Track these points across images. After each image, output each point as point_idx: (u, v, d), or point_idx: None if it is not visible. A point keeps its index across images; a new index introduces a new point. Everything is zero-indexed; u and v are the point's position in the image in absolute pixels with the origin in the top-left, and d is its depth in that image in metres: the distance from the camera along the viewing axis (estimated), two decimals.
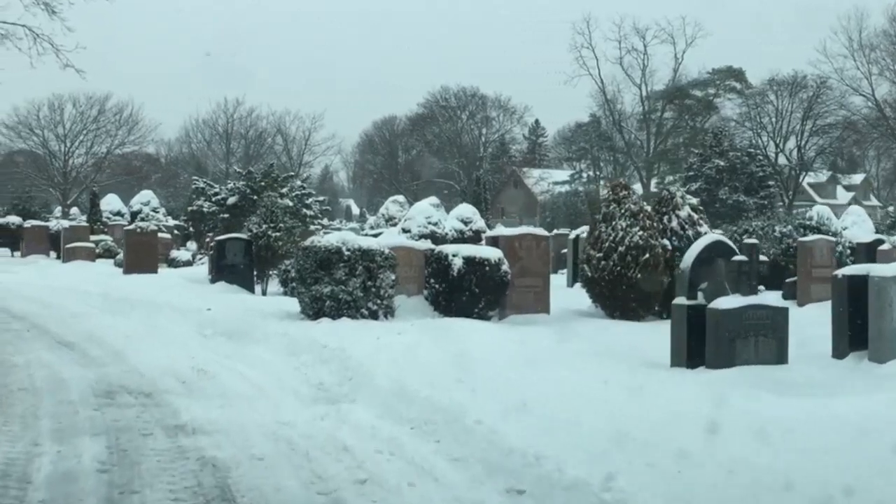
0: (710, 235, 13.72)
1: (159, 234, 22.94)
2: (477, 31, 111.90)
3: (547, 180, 75.17)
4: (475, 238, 25.92)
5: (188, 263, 25.86)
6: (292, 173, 23.80)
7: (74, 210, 52.71)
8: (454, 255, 12.58)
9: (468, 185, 64.60)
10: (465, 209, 26.39)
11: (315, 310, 11.85)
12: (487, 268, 12.56)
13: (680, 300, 9.58)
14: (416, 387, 7.59)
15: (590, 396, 7.17)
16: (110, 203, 38.00)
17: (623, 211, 13.97)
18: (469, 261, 12.50)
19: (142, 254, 21.12)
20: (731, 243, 13.46)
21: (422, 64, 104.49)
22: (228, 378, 9.02)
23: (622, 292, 13.66)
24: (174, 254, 26.41)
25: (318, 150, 74.53)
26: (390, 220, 36.39)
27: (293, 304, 13.48)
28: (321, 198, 24.03)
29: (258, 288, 17.68)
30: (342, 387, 8.44)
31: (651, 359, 9.31)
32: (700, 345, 8.76)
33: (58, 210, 57.79)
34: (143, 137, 63.54)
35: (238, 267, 17.39)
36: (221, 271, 17.27)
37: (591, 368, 8.58)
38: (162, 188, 65.89)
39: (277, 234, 17.20)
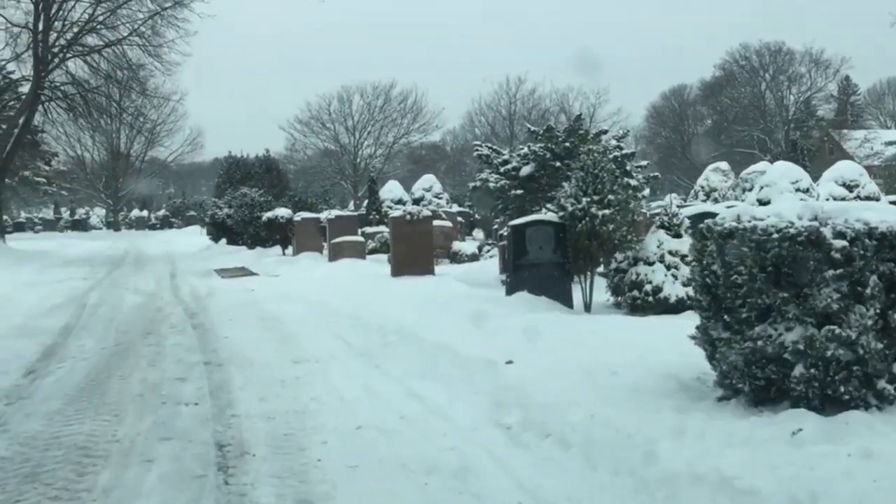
0: None
1: (436, 222, 16.91)
2: None
3: (874, 142, 62.02)
4: None
5: (474, 258, 19.83)
6: (605, 129, 16.78)
7: (366, 203, 49.84)
8: None
9: (781, 152, 53.73)
10: (848, 168, 17.82)
11: (758, 383, 4.75)
12: None
13: None
14: None
15: None
16: (391, 191, 33.32)
17: None
18: None
19: (413, 248, 15.22)
20: None
21: (714, 25, 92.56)
22: None
23: None
24: (456, 246, 20.51)
25: (603, 127, 66.80)
26: (712, 193, 28.19)
27: (663, 343, 6.71)
28: (643, 162, 16.83)
29: (576, 295, 10.86)
30: None
31: None
32: None
33: (351, 204, 55.69)
34: (427, 124, 59.76)
35: (545, 266, 10.69)
36: (521, 274, 10.67)
37: None
38: (448, 177, 62.09)
39: (607, 211, 10.27)
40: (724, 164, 29.60)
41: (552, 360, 6.55)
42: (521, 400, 5.72)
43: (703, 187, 28.91)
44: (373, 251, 22.15)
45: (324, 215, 23.53)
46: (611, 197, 10.45)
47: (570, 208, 10.42)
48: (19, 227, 59.89)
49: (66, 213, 68.25)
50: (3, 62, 28.37)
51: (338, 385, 7.04)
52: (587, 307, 10.70)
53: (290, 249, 24.28)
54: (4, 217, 46.69)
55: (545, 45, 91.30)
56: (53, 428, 5.89)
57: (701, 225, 5.15)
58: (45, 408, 6.49)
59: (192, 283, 17.48)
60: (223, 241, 30.26)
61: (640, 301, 10.33)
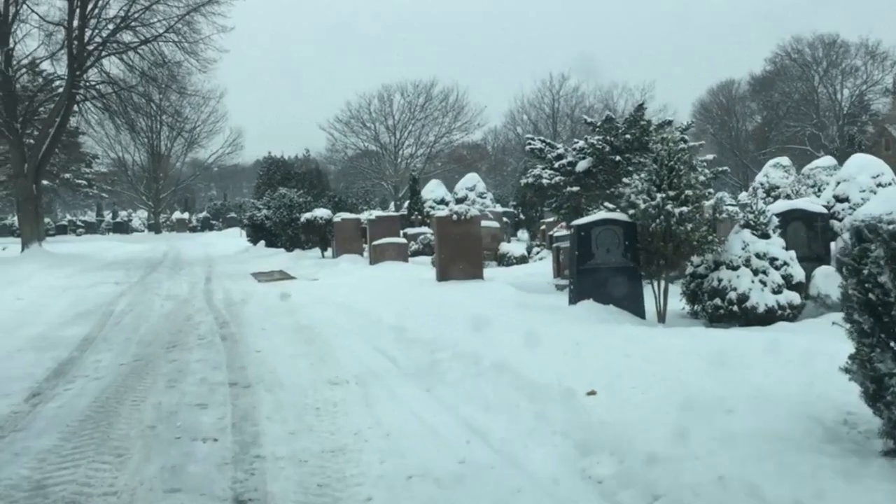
0: None
1: (483, 223, 15.71)
2: None
3: None
4: None
5: (522, 260, 18.67)
6: (669, 118, 15.41)
7: (407, 204, 48.77)
8: None
9: (837, 148, 51.56)
10: None
11: None
12: None
13: None
14: None
15: None
16: (433, 191, 32.25)
17: None
18: None
19: (460, 250, 14.10)
20: None
21: (759, 24, 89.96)
22: None
23: None
24: (504, 247, 19.38)
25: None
26: (773, 191, 26.64)
27: (773, 366, 5.56)
28: (709, 156, 15.43)
29: (650, 304, 9.62)
30: None
31: None
32: None
33: (392, 205, 54.80)
34: (469, 123, 58.45)
35: (613, 271, 9.48)
36: (585, 280, 9.47)
37: None
38: (490, 177, 60.83)
39: (684, 209, 9.04)
40: (784, 160, 28.05)
41: (643, 389, 5.36)
42: (612, 444, 4.55)
43: (762, 184, 27.41)
44: (415, 253, 21.13)
45: (364, 216, 22.53)
46: (688, 192, 9.20)
47: (642, 205, 9.19)
48: (62, 230, 60.02)
49: (108, 216, 68.36)
50: (38, 61, 27.88)
51: (382, 415, 5.92)
52: (661, 317, 9.47)
53: (329, 251, 23.32)
54: (46, 220, 46.68)
55: (575, 45, 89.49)
56: (41, 473, 4.87)
57: (857, 222, 3.93)
58: (38, 444, 5.48)
59: (227, 288, 16.58)
60: (262, 243, 29.48)
61: (722, 310, 9.08)
